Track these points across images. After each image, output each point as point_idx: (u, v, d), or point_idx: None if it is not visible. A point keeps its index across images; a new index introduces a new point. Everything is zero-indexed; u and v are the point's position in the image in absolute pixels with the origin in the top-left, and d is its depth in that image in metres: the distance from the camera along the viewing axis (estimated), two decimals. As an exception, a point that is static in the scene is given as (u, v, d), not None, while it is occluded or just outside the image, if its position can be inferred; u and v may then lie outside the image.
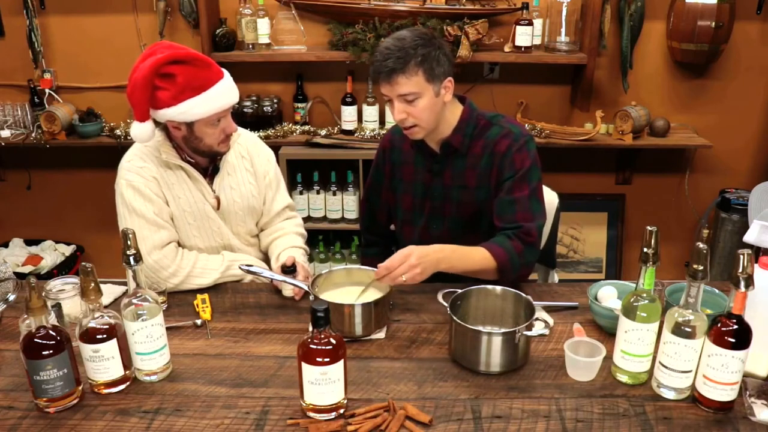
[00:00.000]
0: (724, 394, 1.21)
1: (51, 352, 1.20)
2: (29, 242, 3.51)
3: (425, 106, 1.66)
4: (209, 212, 1.86)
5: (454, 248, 1.62)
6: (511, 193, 1.71)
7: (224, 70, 1.75)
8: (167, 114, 1.67)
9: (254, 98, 3.18)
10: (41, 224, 3.57)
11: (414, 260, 1.50)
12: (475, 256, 1.63)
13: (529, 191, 1.71)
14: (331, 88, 3.23)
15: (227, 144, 1.81)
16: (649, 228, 1.25)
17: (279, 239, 1.98)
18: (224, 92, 1.71)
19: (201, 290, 1.75)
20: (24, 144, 3.12)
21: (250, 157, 1.94)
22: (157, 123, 1.74)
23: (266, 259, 2.02)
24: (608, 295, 1.55)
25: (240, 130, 1.95)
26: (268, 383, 1.34)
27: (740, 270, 1.13)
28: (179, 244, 1.84)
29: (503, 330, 1.36)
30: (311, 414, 1.23)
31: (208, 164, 1.86)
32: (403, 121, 1.69)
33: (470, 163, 1.78)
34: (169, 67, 1.62)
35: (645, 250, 1.25)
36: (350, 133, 3.13)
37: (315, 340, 1.19)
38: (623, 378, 1.33)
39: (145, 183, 1.77)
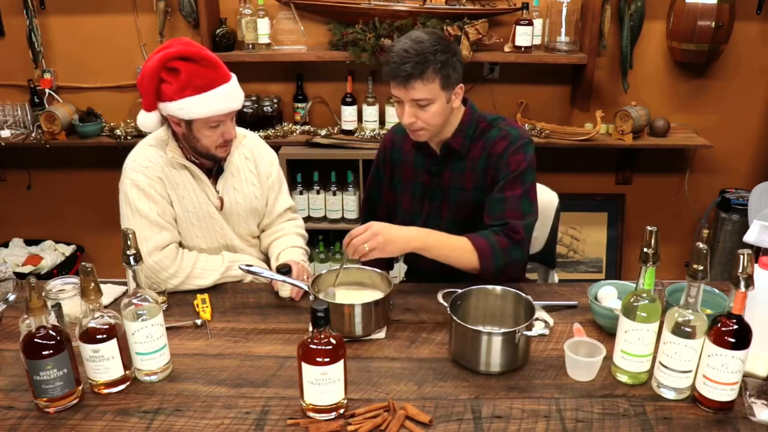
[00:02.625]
0: (724, 394, 1.21)
1: (51, 352, 1.20)
2: (29, 242, 3.51)
3: (436, 112, 1.66)
4: (213, 213, 1.86)
5: (430, 231, 1.63)
6: (502, 191, 1.70)
7: (233, 75, 1.75)
8: (168, 108, 1.69)
9: (254, 98, 3.17)
10: (41, 224, 3.57)
11: (375, 228, 1.54)
12: (454, 242, 1.63)
13: (522, 191, 1.70)
14: (331, 88, 3.23)
15: (226, 150, 1.81)
16: (649, 228, 1.25)
17: (279, 239, 1.98)
18: (226, 96, 1.71)
19: (201, 290, 1.75)
20: (24, 144, 3.12)
21: (254, 159, 1.94)
22: (164, 119, 1.75)
23: (267, 260, 2.02)
24: (608, 295, 1.55)
25: (245, 131, 1.95)
26: (268, 383, 1.34)
27: (740, 270, 1.13)
28: (181, 245, 1.84)
29: (503, 330, 1.36)
30: (311, 414, 1.23)
31: (213, 165, 1.86)
32: (412, 124, 1.69)
33: (469, 165, 1.78)
34: (175, 62, 1.65)
35: (645, 250, 1.25)
36: (350, 133, 3.13)
37: (315, 340, 1.19)
38: (623, 378, 1.33)
39: (149, 183, 1.77)
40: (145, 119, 1.74)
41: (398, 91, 1.66)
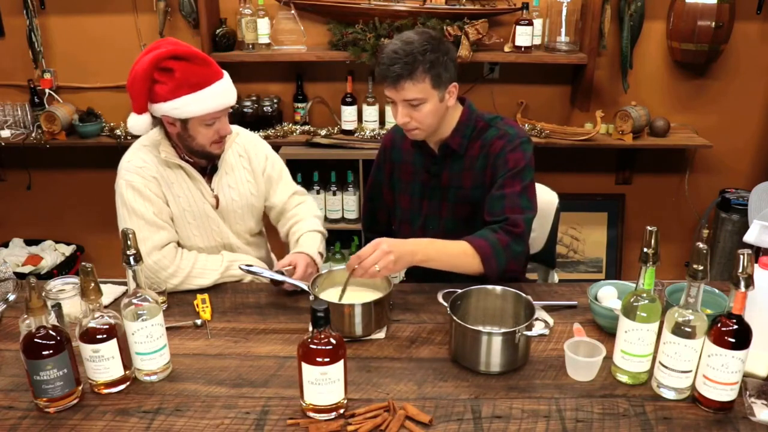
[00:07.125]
0: (724, 394, 1.21)
1: (51, 352, 1.20)
2: (29, 242, 3.51)
3: (429, 112, 1.66)
4: (209, 211, 1.86)
5: (431, 240, 1.61)
6: (502, 188, 1.70)
7: (224, 71, 1.75)
8: (163, 108, 1.68)
9: (254, 98, 3.18)
10: (41, 224, 3.57)
11: (386, 247, 1.49)
12: (455, 248, 1.61)
13: (521, 188, 1.70)
14: (331, 88, 3.23)
15: (221, 146, 1.80)
16: (649, 228, 1.25)
17: (296, 224, 1.96)
18: (221, 93, 1.71)
19: (201, 290, 1.75)
20: (24, 144, 3.12)
21: (248, 156, 1.94)
22: (155, 119, 1.75)
23: (267, 259, 2.02)
24: (608, 295, 1.55)
25: (238, 128, 1.95)
26: (268, 383, 1.34)
27: (740, 270, 1.13)
28: (179, 245, 1.84)
29: (503, 330, 1.36)
30: (311, 414, 1.23)
31: (207, 163, 1.86)
32: (406, 124, 1.69)
33: (467, 164, 1.78)
34: (168, 61, 1.64)
35: (645, 250, 1.25)
36: (350, 133, 3.13)
37: (315, 340, 1.19)
38: (623, 378, 1.33)
39: (144, 183, 1.77)
40: (136, 122, 1.73)
41: (390, 92, 1.66)
